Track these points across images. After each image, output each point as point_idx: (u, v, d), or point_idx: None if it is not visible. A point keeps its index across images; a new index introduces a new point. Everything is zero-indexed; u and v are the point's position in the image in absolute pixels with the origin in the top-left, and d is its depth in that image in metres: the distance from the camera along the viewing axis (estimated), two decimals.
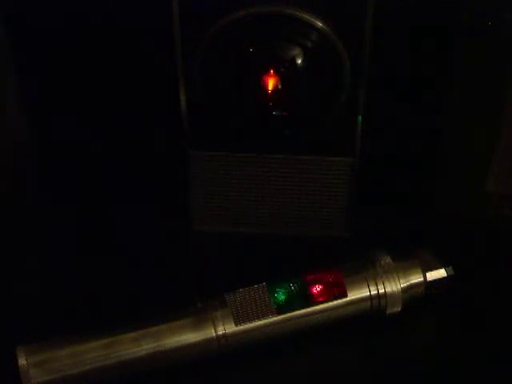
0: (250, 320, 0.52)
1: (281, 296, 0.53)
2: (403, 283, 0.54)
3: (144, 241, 0.62)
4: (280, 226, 0.62)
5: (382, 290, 0.54)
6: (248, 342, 0.52)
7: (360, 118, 0.56)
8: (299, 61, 0.53)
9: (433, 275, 0.55)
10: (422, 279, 0.54)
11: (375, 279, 0.54)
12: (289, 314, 0.52)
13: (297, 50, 0.53)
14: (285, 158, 0.59)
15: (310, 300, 0.53)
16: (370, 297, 0.54)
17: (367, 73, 0.54)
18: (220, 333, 0.51)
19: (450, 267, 0.55)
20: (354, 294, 0.54)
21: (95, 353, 0.50)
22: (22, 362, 0.49)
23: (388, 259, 0.54)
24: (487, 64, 0.54)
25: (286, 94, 0.54)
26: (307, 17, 0.52)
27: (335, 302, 0.53)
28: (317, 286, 0.54)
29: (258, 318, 0.52)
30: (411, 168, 0.61)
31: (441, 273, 0.55)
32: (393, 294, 0.54)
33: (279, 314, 0.52)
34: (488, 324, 0.56)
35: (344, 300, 0.53)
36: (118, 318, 0.52)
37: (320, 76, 0.54)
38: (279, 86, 0.53)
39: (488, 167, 0.61)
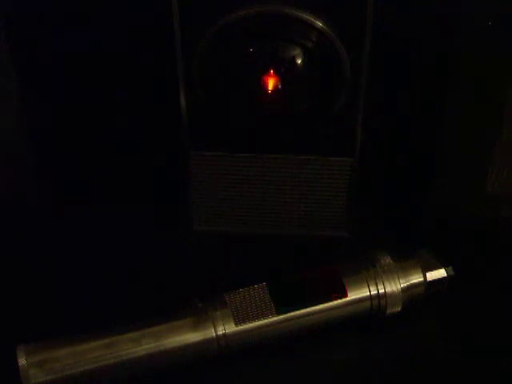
0: (250, 320, 0.52)
1: (281, 296, 0.53)
2: (403, 283, 0.54)
3: (144, 241, 0.62)
4: (280, 226, 0.62)
5: (381, 290, 0.54)
6: (248, 342, 0.52)
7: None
8: (299, 61, 0.53)
9: (433, 275, 0.55)
10: (422, 279, 0.54)
11: (375, 279, 0.54)
12: (289, 314, 0.52)
13: (297, 50, 0.53)
14: (285, 158, 0.59)
15: (310, 300, 0.53)
16: (370, 297, 0.54)
17: (367, 73, 0.54)
18: (220, 333, 0.51)
19: (450, 267, 0.55)
20: (354, 294, 0.54)
21: (95, 353, 0.50)
22: (22, 362, 0.49)
23: (388, 259, 0.54)
24: (487, 64, 0.54)
25: (286, 94, 0.54)
26: (307, 17, 0.52)
27: (335, 302, 0.53)
28: (317, 285, 0.54)
29: (258, 318, 0.52)
30: (411, 168, 0.61)
31: (441, 273, 0.55)
32: (393, 294, 0.54)
33: (279, 314, 0.52)
34: (488, 324, 0.56)
35: (344, 300, 0.53)
36: (118, 318, 0.52)
37: (320, 76, 0.54)
38: (279, 86, 0.53)
39: (488, 168, 0.61)
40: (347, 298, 0.53)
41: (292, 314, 0.52)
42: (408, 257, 0.55)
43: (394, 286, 0.54)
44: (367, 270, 0.54)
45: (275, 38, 0.53)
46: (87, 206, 0.63)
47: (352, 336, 0.54)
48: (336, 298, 0.53)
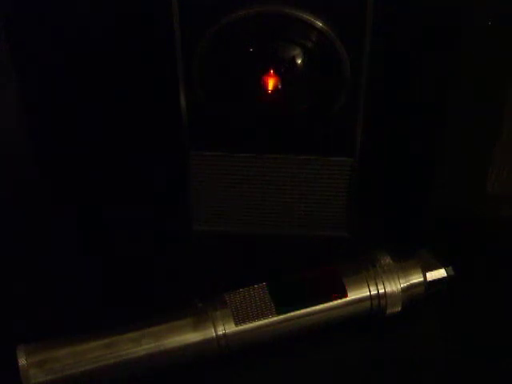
0: (250, 320, 0.52)
1: (281, 296, 0.53)
2: (403, 283, 0.54)
3: (144, 241, 0.62)
4: (280, 226, 0.62)
5: (381, 290, 0.54)
6: (248, 342, 0.52)
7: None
8: (299, 61, 0.53)
9: (433, 275, 0.55)
10: (422, 279, 0.54)
11: (375, 279, 0.54)
12: (289, 314, 0.52)
13: (297, 50, 0.53)
14: (285, 158, 0.59)
15: (310, 300, 0.53)
16: (370, 297, 0.54)
17: (367, 73, 0.54)
18: (220, 333, 0.51)
19: (450, 267, 0.55)
20: (354, 294, 0.54)
21: (95, 353, 0.50)
22: (22, 362, 0.49)
23: (388, 259, 0.54)
24: (487, 64, 0.54)
25: (286, 93, 0.54)
26: (307, 17, 0.52)
27: (335, 302, 0.53)
28: (317, 285, 0.54)
29: (258, 318, 0.52)
30: (411, 168, 0.61)
31: (441, 273, 0.55)
32: (393, 294, 0.54)
33: (279, 314, 0.52)
34: (488, 324, 0.56)
35: (344, 300, 0.53)
36: (118, 318, 0.52)
37: (320, 76, 0.54)
38: (279, 86, 0.53)
39: (488, 168, 0.61)
40: (347, 298, 0.53)
41: (292, 314, 0.52)
42: (408, 257, 0.55)
43: (394, 286, 0.54)
44: (367, 270, 0.54)
45: (275, 38, 0.53)
46: (87, 206, 0.63)
47: (352, 336, 0.54)
48: (336, 298, 0.53)
